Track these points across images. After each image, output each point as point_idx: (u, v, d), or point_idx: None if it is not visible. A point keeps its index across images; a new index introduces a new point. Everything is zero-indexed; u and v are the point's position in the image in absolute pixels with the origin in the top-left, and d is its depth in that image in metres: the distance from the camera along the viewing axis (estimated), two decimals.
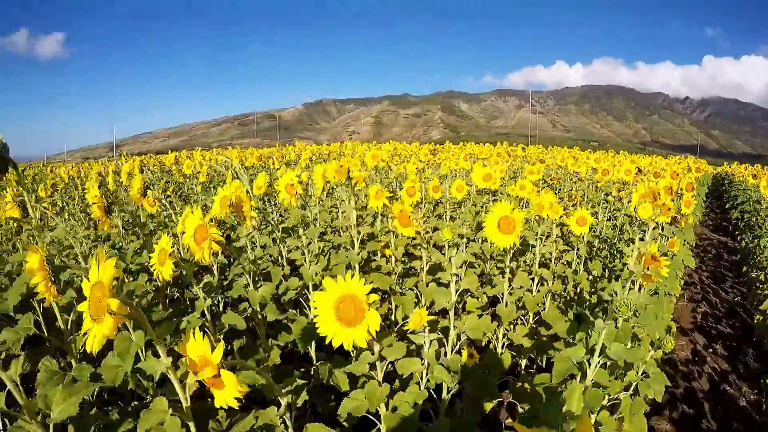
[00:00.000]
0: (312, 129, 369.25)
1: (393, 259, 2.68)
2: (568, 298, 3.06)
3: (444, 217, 4.19)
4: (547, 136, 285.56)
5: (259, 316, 2.19)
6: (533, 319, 2.81)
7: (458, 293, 1.85)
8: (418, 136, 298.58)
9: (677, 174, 4.00)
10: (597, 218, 4.30)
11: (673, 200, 2.91)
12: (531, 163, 6.52)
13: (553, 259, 2.97)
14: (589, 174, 5.44)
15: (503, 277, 2.65)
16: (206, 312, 1.92)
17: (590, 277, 3.24)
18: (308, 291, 2.38)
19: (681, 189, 3.44)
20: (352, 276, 1.22)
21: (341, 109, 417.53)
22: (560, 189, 5.95)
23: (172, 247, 1.68)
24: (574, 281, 3.03)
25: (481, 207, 4.19)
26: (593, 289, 2.92)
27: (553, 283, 2.83)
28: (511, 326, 2.80)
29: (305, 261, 2.34)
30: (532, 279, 2.78)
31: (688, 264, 3.42)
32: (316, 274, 2.28)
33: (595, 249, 3.94)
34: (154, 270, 1.71)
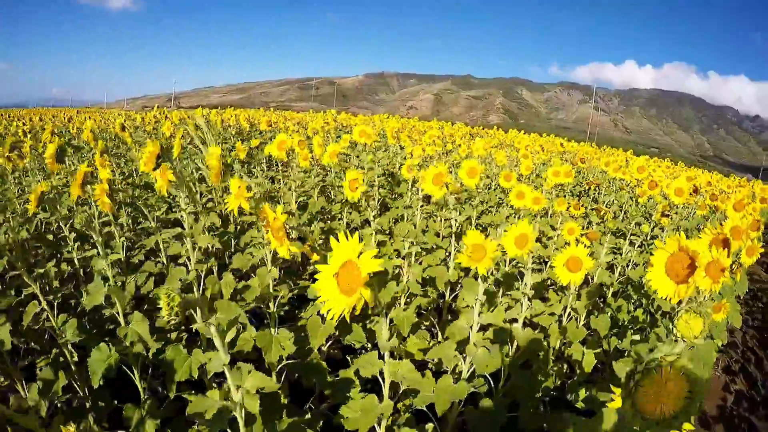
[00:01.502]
0: (371, 100, 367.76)
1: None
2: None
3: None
4: (607, 136, 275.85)
5: None
6: None
7: None
8: (476, 118, 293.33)
9: (743, 204, 3.15)
10: (621, 250, 3.44)
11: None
12: (569, 162, 5.68)
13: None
14: (633, 184, 4.56)
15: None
16: None
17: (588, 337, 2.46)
18: None
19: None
20: None
21: (403, 83, 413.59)
22: (595, 198, 5.07)
23: None
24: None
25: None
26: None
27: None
28: None
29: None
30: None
31: (734, 323, 2.62)
32: None
33: (606, 295, 3.09)
34: None
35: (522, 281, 2.15)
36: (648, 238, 3.60)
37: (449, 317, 3.00)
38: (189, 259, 1.97)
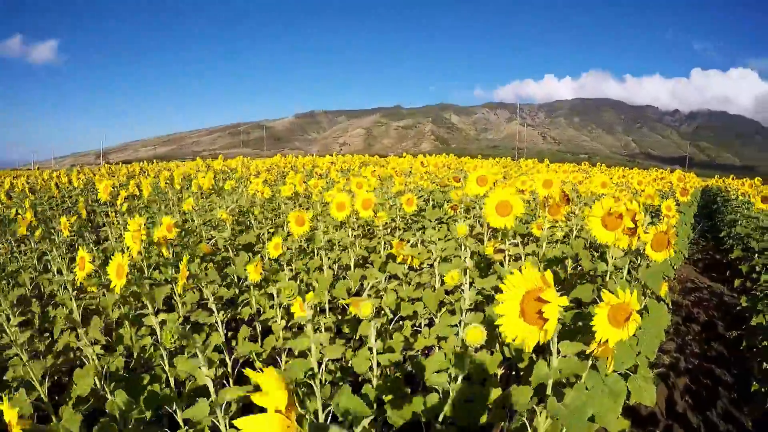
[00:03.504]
0: (302, 140, 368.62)
1: None
2: None
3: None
4: (536, 149, 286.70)
5: None
6: None
7: None
8: (407, 148, 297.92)
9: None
10: None
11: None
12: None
13: None
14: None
15: None
16: None
17: None
18: None
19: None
20: None
21: (333, 121, 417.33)
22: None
23: None
24: None
25: None
26: None
27: None
28: None
29: None
30: None
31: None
32: None
33: None
34: None
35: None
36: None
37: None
38: None
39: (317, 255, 3.27)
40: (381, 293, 2.55)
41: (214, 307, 2.49)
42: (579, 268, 3.11)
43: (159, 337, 1.96)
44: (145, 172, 12.21)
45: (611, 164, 24.69)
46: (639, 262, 2.23)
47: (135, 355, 2.36)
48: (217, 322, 2.50)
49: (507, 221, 2.14)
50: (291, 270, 3.25)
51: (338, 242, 3.65)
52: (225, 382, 2.38)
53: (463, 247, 2.26)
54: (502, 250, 2.41)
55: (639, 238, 1.96)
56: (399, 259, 2.84)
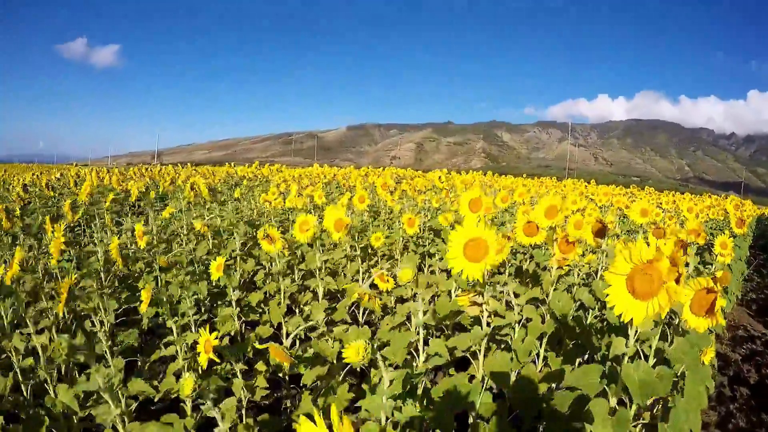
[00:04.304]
0: (353, 152, 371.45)
1: None
2: None
3: None
4: (588, 170, 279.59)
5: None
6: None
7: None
8: (458, 164, 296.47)
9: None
10: None
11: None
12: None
13: None
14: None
15: None
16: None
17: None
18: None
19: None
20: None
21: (384, 134, 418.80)
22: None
23: None
24: None
25: None
26: None
27: None
28: None
29: None
30: None
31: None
32: None
33: None
34: None
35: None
36: None
37: None
38: None
39: (278, 280, 2.79)
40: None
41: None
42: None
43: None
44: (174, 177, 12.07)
45: (662, 188, 23.41)
46: (672, 327, 1.62)
47: None
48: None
49: (475, 270, 1.48)
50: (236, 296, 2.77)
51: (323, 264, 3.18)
52: None
53: (419, 300, 1.62)
54: (479, 303, 1.71)
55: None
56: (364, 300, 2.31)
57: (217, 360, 1.67)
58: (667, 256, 1.18)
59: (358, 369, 2.22)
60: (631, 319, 1.20)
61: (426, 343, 1.66)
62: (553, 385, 2.14)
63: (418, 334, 1.57)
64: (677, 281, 1.22)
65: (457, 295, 1.99)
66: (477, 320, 1.79)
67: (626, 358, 1.51)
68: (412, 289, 2.20)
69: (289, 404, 2.64)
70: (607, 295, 1.24)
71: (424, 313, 1.48)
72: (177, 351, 2.01)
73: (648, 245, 1.20)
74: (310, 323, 2.03)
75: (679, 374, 1.65)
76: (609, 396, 1.56)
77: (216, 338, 2.82)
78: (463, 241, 1.52)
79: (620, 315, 1.21)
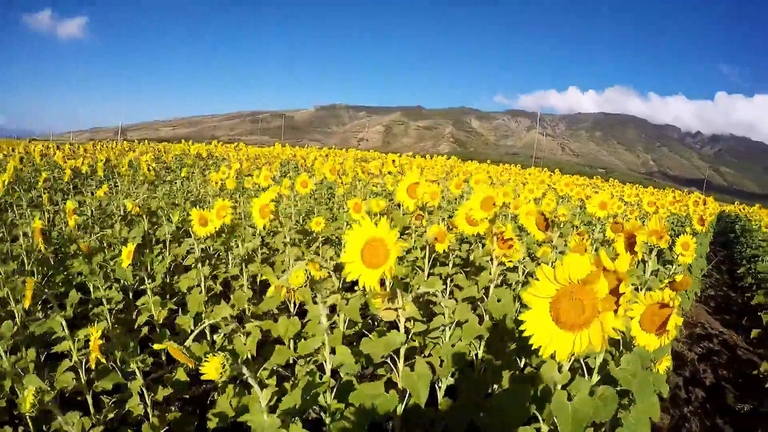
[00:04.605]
0: (321, 132, 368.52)
1: None
2: None
3: None
4: (555, 160, 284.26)
5: None
6: None
7: None
8: (426, 148, 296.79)
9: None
10: None
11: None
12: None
13: None
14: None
15: None
16: None
17: None
18: None
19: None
20: None
21: (353, 116, 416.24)
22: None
23: None
24: None
25: None
26: None
27: None
28: None
29: None
30: None
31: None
32: None
33: None
34: None
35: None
36: None
37: None
38: None
39: (197, 267, 2.60)
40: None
41: None
42: None
43: None
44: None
45: (626, 181, 23.77)
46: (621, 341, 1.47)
47: None
48: None
49: (371, 278, 1.24)
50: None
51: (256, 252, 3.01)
52: None
53: (321, 306, 1.45)
54: (395, 309, 1.46)
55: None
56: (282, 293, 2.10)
57: (104, 361, 1.49)
58: (612, 272, 0.95)
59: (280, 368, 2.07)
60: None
61: (333, 352, 1.49)
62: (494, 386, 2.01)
63: (323, 343, 1.41)
64: (616, 309, 0.94)
65: (373, 298, 1.76)
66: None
67: (559, 386, 1.29)
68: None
69: (217, 396, 2.48)
70: (523, 321, 1.01)
71: (329, 317, 1.32)
72: (70, 348, 1.81)
73: (581, 260, 0.95)
74: (218, 319, 1.85)
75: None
76: (541, 425, 1.38)
77: (137, 327, 2.62)
78: (360, 243, 1.27)
79: (539, 348, 0.99)
